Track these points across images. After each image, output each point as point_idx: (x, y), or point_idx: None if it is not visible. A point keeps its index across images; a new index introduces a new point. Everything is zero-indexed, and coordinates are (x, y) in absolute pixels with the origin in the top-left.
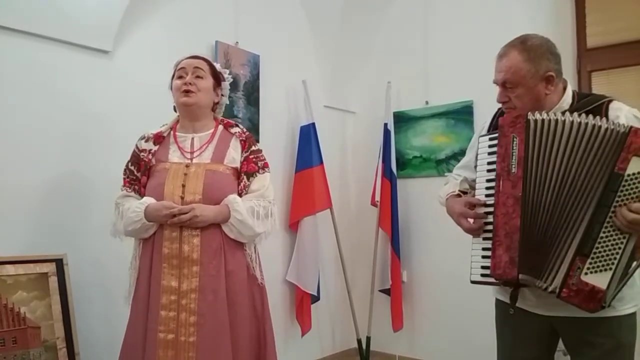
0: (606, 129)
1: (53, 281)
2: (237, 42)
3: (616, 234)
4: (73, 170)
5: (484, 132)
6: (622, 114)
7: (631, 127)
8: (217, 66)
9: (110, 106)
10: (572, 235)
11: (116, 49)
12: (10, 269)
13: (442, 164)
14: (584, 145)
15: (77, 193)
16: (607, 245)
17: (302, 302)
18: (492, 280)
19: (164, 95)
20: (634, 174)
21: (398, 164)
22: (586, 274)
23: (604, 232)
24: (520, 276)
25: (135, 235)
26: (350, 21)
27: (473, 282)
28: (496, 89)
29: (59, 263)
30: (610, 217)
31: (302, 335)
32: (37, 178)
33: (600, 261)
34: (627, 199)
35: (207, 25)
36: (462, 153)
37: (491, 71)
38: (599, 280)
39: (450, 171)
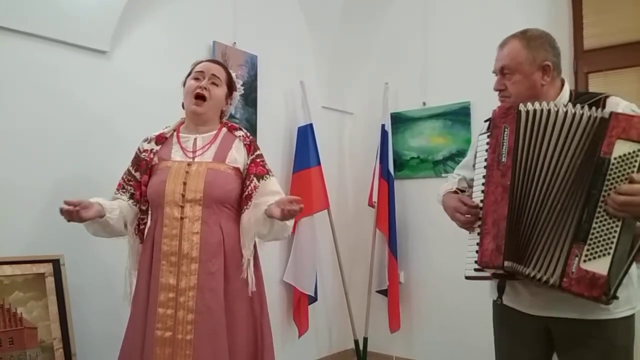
0: (589, 116)
1: (50, 282)
2: (234, 43)
3: (610, 218)
4: (71, 171)
5: (484, 130)
6: (619, 108)
7: (612, 112)
8: (233, 75)
9: (109, 107)
10: (567, 224)
11: (114, 49)
12: (7, 270)
13: (440, 165)
14: (572, 134)
15: (75, 193)
16: (602, 231)
17: (299, 303)
18: (484, 274)
19: (162, 96)
20: (620, 156)
21: (395, 165)
22: (585, 261)
23: (598, 218)
24: (506, 263)
25: (99, 234)
26: (349, 22)
27: (467, 277)
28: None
29: (56, 264)
30: (603, 201)
31: (299, 336)
32: (35, 179)
33: (597, 247)
34: (617, 182)
35: (204, 25)
36: (460, 154)
37: (489, 73)
38: (599, 266)
39: (447, 172)
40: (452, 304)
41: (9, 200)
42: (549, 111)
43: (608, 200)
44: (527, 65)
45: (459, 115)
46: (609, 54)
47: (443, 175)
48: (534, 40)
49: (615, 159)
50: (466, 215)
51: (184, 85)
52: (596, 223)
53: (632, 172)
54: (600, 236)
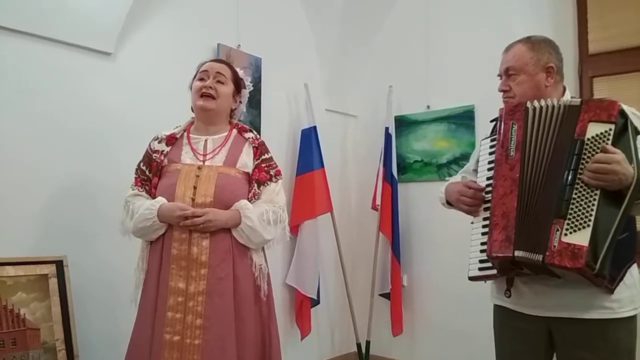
0: (566, 106)
1: (53, 283)
2: (239, 45)
3: (587, 193)
4: (75, 172)
5: (488, 135)
6: None
7: (582, 99)
8: (240, 72)
9: (113, 108)
10: (552, 205)
11: (118, 51)
12: (10, 271)
13: (443, 169)
14: (560, 124)
15: (78, 194)
16: (580, 205)
17: (302, 306)
18: (489, 272)
19: (166, 98)
20: (593, 137)
21: (399, 168)
22: (566, 234)
23: (576, 193)
24: (516, 253)
25: (143, 234)
26: (352, 25)
27: (471, 278)
28: (499, 92)
29: (59, 265)
30: (579, 178)
31: (302, 339)
32: (38, 180)
33: (577, 220)
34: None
35: (209, 27)
36: (463, 157)
37: (493, 76)
38: (579, 238)
39: (451, 175)
40: (455, 307)
41: (12, 201)
42: (553, 107)
43: (584, 172)
44: (532, 66)
45: (463, 119)
46: (614, 58)
47: (447, 178)
48: (538, 44)
49: (588, 139)
50: (471, 199)
51: (191, 88)
52: (574, 199)
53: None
54: (579, 210)
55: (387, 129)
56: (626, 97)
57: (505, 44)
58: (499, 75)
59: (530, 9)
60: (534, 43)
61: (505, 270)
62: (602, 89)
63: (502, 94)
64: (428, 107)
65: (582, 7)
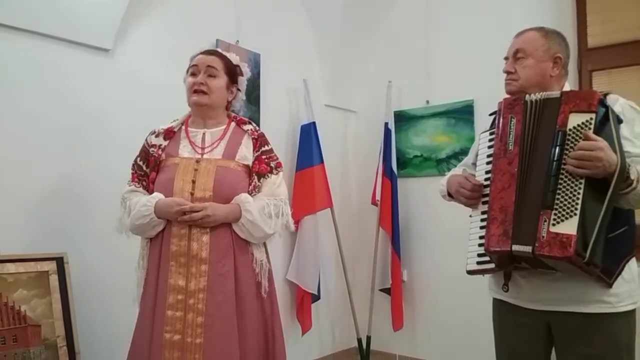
0: (547, 99)
1: (54, 279)
2: (237, 41)
3: (572, 182)
4: (74, 169)
5: (487, 128)
6: (617, 104)
7: (562, 91)
8: (235, 58)
9: (111, 104)
10: (540, 197)
11: (117, 47)
12: (11, 267)
13: (443, 164)
14: (547, 116)
15: (77, 191)
16: (566, 194)
17: (303, 301)
18: (487, 266)
19: (164, 94)
20: (574, 127)
21: (398, 163)
22: (554, 225)
23: (561, 183)
24: (514, 247)
25: (141, 231)
26: (351, 20)
27: (469, 272)
28: (499, 85)
29: (60, 261)
30: (564, 168)
31: (303, 334)
32: (38, 177)
33: (563, 210)
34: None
35: (208, 23)
36: (463, 152)
37: (492, 71)
38: (567, 228)
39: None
40: (455, 302)
41: (11, 198)
42: (543, 100)
43: (568, 160)
44: (542, 52)
45: (462, 114)
46: (613, 52)
47: (446, 173)
48: (550, 33)
49: (570, 130)
50: (470, 192)
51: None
52: (560, 189)
53: None
54: (565, 200)
55: (386, 124)
56: (626, 91)
57: (504, 38)
58: (506, 57)
59: (530, 4)
60: (547, 32)
61: (503, 264)
62: (602, 83)
63: (504, 77)
64: (427, 102)
65: (582, 2)
